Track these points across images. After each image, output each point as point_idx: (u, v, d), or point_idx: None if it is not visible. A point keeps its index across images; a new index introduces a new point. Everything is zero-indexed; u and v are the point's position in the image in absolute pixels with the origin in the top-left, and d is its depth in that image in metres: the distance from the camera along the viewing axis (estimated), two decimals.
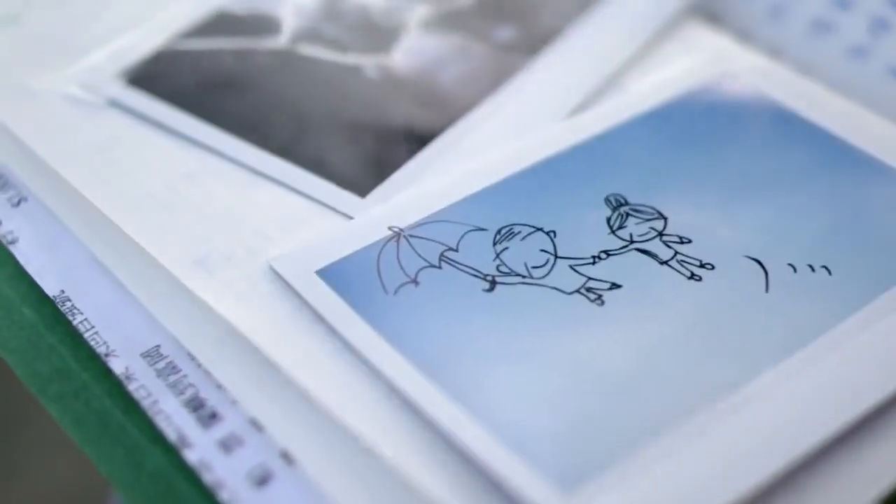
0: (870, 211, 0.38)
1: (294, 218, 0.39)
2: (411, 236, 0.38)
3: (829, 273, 0.36)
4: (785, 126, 0.42)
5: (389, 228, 0.38)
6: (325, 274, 0.36)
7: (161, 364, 0.36)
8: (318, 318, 0.35)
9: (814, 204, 0.39)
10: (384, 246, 0.37)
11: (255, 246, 0.38)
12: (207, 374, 0.36)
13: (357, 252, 0.37)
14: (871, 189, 0.39)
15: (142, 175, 0.40)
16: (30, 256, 0.39)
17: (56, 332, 0.38)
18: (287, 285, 0.36)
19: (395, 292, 0.36)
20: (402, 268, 0.37)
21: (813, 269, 0.37)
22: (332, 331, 0.35)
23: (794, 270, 0.37)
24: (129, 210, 0.39)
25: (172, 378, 0.36)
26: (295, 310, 0.36)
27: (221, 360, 0.35)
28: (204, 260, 0.37)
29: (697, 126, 0.42)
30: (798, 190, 0.39)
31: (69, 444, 0.37)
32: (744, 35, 0.47)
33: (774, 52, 0.46)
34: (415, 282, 0.36)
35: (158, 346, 0.37)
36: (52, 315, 0.38)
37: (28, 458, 0.85)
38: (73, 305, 0.38)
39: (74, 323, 0.37)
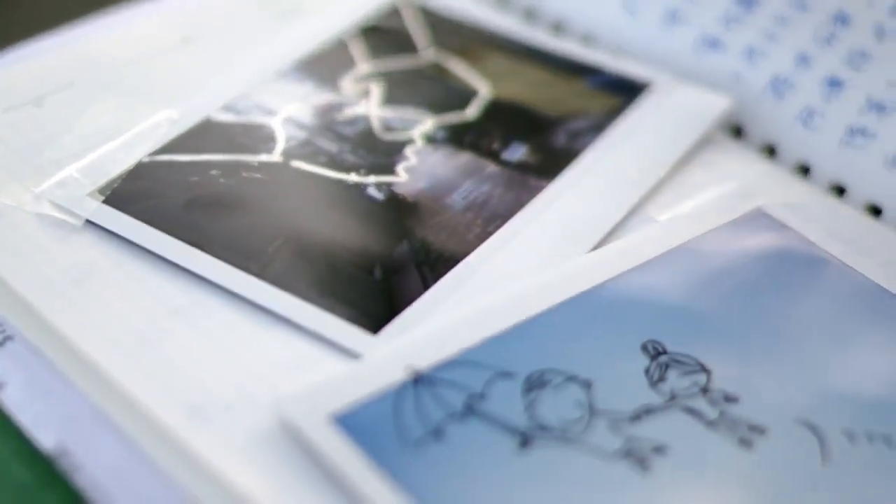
0: None
1: (297, 359, 0.35)
2: (432, 379, 0.34)
3: (889, 446, 0.34)
4: (826, 270, 0.39)
5: (406, 369, 0.34)
6: (338, 420, 0.32)
7: None
8: (333, 472, 0.31)
9: (867, 361, 0.36)
10: (402, 390, 0.34)
11: (256, 391, 0.34)
12: None
13: (372, 396, 0.33)
14: None
15: (125, 309, 0.36)
16: (21, 404, 0.34)
17: (54, 492, 0.33)
18: (294, 435, 0.32)
19: (418, 444, 0.32)
20: (424, 416, 0.33)
21: (871, 440, 0.34)
22: (350, 488, 0.31)
23: (850, 440, 0.34)
24: (113, 350, 0.34)
25: None
26: (305, 463, 0.32)
27: None
28: (200, 408, 0.33)
29: (733, 267, 0.39)
30: (848, 344, 0.37)
31: None
32: (772, 146, 0.44)
33: (805, 165, 0.43)
34: (439, 434, 0.32)
35: None
36: (48, 473, 0.33)
37: None
38: (73, 461, 0.33)
39: (76, 482, 0.33)
